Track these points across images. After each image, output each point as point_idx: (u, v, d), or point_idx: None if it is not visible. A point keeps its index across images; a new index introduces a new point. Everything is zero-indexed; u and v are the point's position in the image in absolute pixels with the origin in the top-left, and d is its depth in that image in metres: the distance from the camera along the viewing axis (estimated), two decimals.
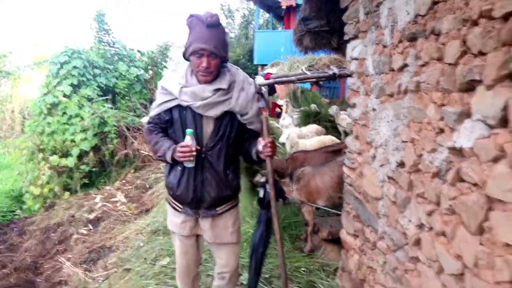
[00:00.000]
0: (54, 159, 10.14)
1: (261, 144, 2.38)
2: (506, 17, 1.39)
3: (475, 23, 1.57)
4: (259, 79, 5.86)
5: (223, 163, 2.46)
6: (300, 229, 4.61)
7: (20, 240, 8.09)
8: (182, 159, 2.33)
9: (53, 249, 6.97)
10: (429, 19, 1.93)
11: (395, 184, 2.38)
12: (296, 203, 4.52)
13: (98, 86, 11.82)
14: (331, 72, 4.76)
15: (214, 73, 2.35)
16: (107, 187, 9.32)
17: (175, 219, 2.62)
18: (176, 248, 2.72)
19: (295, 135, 6.28)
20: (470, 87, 1.63)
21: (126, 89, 13.00)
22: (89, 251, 6.06)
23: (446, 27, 1.77)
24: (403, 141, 2.25)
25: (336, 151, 4.77)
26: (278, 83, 5.79)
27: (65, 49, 11.64)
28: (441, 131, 1.85)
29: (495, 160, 1.47)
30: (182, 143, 2.33)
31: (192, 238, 2.66)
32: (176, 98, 2.39)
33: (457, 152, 1.71)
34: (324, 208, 4.24)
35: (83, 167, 10.20)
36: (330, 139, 5.91)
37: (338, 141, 5.89)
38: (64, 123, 10.68)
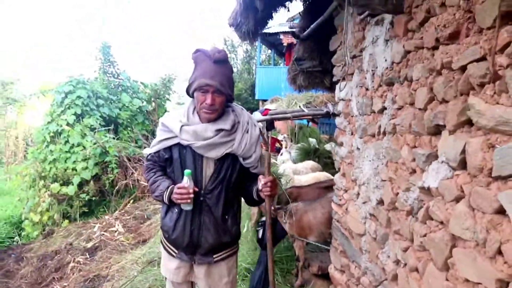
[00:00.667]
0: (55, 186, 10.23)
1: (261, 182, 2.21)
2: (463, 69, 1.53)
3: (439, 73, 1.72)
4: (257, 115, 6.01)
5: (222, 207, 2.32)
6: (291, 263, 4.66)
7: (17, 266, 8.11)
8: (179, 201, 2.20)
9: (49, 277, 7.00)
10: (403, 67, 2.08)
11: (376, 221, 2.48)
12: (288, 238, 4.58)
13: (101, 116, 12.01)
14: (325, 110, 4.90)
15: (218, 111, 2.22)
16: (106, 217, 9.38)
17: (169, 264, 2.46)
18: None
19: (290, 170, 6.38)
20: (436, 131, 1.77)
21: (129, 120, 13.19)
22: (85, 280, 6.09)
23: (416, 74, 1.92)
24: (382, 180, 2.37)
25: (329, 187, 4.86)
26: (275, 119, 5.93)
27: (70, 79, 11.90)
28: (414, 171, 1.97)
29: (457, 199, 1.59)
30: (180, 184, 2.20)
31: (185, 285, 2.51)
32: (177, 136, 2.26)
33: (426, 191, 1.83)
34: (315, 243, 4.30)
35: (83, 195, 10.26)
36: (324, 175, 6.00)
37: (331, 177, 5.97)
38: (66, 152, 10.81)
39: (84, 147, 10.68)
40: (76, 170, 10.43)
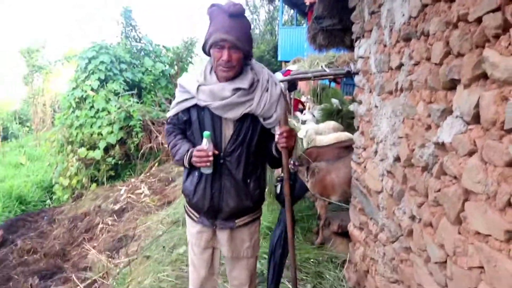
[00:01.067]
0: (82, 151, 10.50)
1: (276, 132, 2.13)
2: (479, 21, 1.50)
3: (455, 26, 1.69)
4: (278, 76, 5.98)
5: (243, 170, 2.23)
6: (312, 222, 4.75)
7: (49, 228, 8.48)
8: (198, 164, 2.13)
9: (80, 237, 7.31)
10: (420, 21, 2.04)
11: (392, 177, 2.50)
12: (309, 197, 4.65)
13: (125, 81, 12.14)
14: (346, 70, 4.85)
15: (236, 69, 2.10)
16: (132, 180, 9.63)
17: (191, 229, 2.43)
18: (190, 261, 2.52)
19: (313, 131, 6.39)
20: (452, 85, 1.75)
21: (152, 84, 13.29)
22: (113, 240, 6.34)
23: (433, 29, 1.88)
24: (399, 137, 2.37)
25: (349, 147, 4.86)
26: (296, 79, 5.91)
27: (93, 44, 12.00)
28: (429, 127, 1.97)
29: (470, 154, 1.59)
30: (198, 147, 2.12)
31: (207, 251, 2.43)
32: (194, 97, 2.17)
33: (441, 146, 1.83)
34: (336, 203, 4.35)
35: (109, 159, 10.52)
36: (345, 135, 6.01)
37: (352, 137, 5.96)
38: (91, 117, 11.03)
39: (109, 112, 10.87)
40: (101, 134, 10.66)
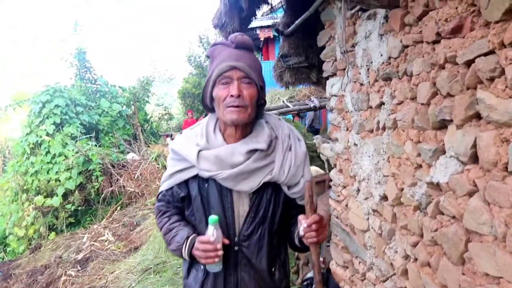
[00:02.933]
0: (39, 199, 10.04)
1: (302, 224, 1.57)
2: (469, 63, 1.52)
3: (442, 67, 1.71)
4: None
5: (266, 257, 1.71)
6: (291, 261, 4.67)
7: (5, 285, 7.93)
8: (202, 261, 1.62)
9: None
10: (401, 61, 2.07)
11: (380, 216, 2.48)
12: None
13: (81, 124, 11.86)
14: (312, 105, 4.90)
15: (249, 112, 1.60)
16: (94, 226, 9.24)
17: None
18: None
19: None
20: (442, 125, 1.76)
21: (109, 126, 13.06)
22: None
23: (416, 69, 1.91)
24: (385, 175, 2.36)
25: (320, 182, 4.86)
26: None
27: (46, 87, 11.72)
28: (419, 166, 1.96)
29: (470, 194, 1.58)
30: (203, 238, 1.61)
31: None
32: (194, 166, 1.67)
33: (435, 186, 1.82)
34: None
35: (68, 206, 10.09)
36: (314, 170, 6.01)
37: (322, 171, 5.99)
38: (48, 163, 10.62)
39: (66, 157, 10.51)
40: (59, 180, 10.25)
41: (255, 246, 1.70)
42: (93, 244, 7.98)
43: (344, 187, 3.07)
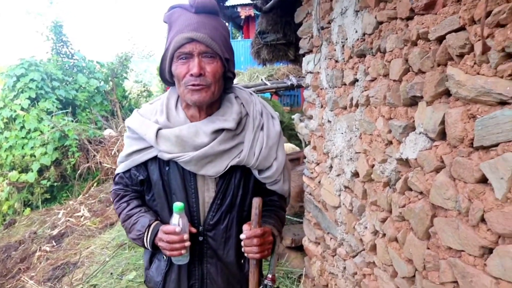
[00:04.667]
0: (13, 174, 9.87)
1: (244, 233, 1.48)
2: (440, 39, 1.51)
3: (414, 44, 1.70)
4: None
5: (234, 249, 1.58)
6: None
7: None
8: (168, 253, 1.48)
9: (15, 268, 6.77)
10: (375, 38, 2.05)
11: (351, 193, 2.49)
12: None
13: (58, 99, 11.57)
14: (289, 83, 4.88)
15: (212, 90, 1.42)
16: (70, 202, 9.14)
17: None
18: None
19: None
20: (413, 102, 1.76)
21: (86, 101, 12.78)
22: (53, 268, 5.93)
23: (390, 46, 1.89)
24: (357, 152, 2.37)
25: (295, 160, 4.88)
26: None
27: (21, 61, 11.36)
28: (390, 143, 1.97)
29: (437, 170, 1.59)
30: (167, 227, 1.45)
31: None
32: (153, 147, 1.50)
33: (404, 162, 1.83)
34: (286, 216, 4.34)
35: (44, 182, 9.94)
36: (290, 147, 6.03)
37: (298, 149, 6.01)
38: (22, 138, 10.40)
39: (42, 132, 10.30)
40: (34, 156, 10.06)
41: (222, 237, 1.56)
42: (68, 220, 7.90)
43: (318, 164, 3.08)
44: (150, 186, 1.58)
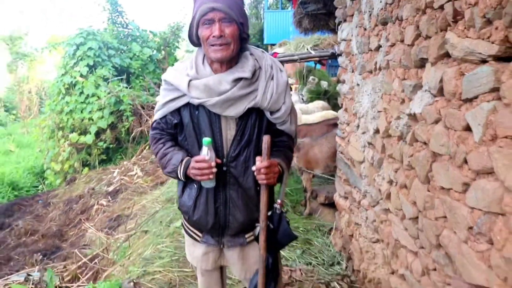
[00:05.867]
0: (73, 136, 10.67)
1: (255, 165, 1.83)
2: (442, 8, 1.76)
3: (424, 12, 1.94)
4: None
5: (252, 176, 1.88)
6: (300, 195, 5.05)
7: (45, 211, 8.68)
8: (198, 178, 1.80)
9: (76, 219, 7.54)
10: (395, 7, 2.29)
11: (373, 148, 2.77)
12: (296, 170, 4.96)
13: (113, 67, 12.25)
14: (330, 52, 5.09)
15: (232, 48, 1.75)
16: (124, 162, 9.85)
17: (194, 251, 2.11)
18: (199, 283, 2.27)
19: (299, 111, 6.66)
20: (422, 64, 2.01)
21: (140, 69, 13.42)
22: (109, 219, 6.58)
23: (405, 14, 2.14)
24: (378, 111, 2.63)
25: (336, 124, 5.14)
26: (282, 62, 6.13)
27: (80, 31, 12.07)
28: (403, 101, 2.23)
29: (436, 122, 1.86)
30: (198, 157, 1.79)
31: (216, 271, 2.17)
32: (185, 95, 1.83)
33: (413, 117, 2.10)
34: (322, 175, 4.65)
35: (100, 143, 10.72)
36: (332, 113, 6.26)
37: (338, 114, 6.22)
38: (81, 102, 11.19)
39: (99, 97, 11.04)
40: (92, 119, 10.83)
41: (242, 167, 1.88)
42: (122, 178, 8.57)
43: (348, 124, 3.36)
44: (183, 128, 1.91)
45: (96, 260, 4.85)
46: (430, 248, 1.98)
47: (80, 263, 4.76)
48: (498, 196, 1.39)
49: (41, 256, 5.67)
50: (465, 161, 1.61)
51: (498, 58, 1.41)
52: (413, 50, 2.05)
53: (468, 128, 1.59)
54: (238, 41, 1.79)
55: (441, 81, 1.78)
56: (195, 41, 1.84)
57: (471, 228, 1.57)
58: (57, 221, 7.84)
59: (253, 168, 1.83)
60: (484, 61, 1.49)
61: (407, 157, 2.19)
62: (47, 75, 24.69)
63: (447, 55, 1.77)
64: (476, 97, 1.52)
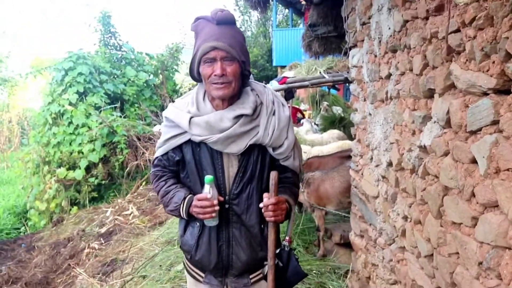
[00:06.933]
0: (61, 171, 10.88)
1: (263, 202, 2.04)
2: (445, 38, 1.99)
3: (430, 42, 2.18)
4: (274, 84, 6.49)
5: (255, 214, 2.10)
6: (313, 234, 5.23)
7: (28, 256, 8.86)
8: (201, 216, 2.02)
9: (64, 264, 7.70)
10: (403, 35, 2.53)
11: (387, 182, 2.97)
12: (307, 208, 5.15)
13: (106, 93, 12.61)
14: (344, 76, 5.35)
15: (233, 87, 1.98)
16: (118, 200, 10.05)
17: None
18: None
19: (309, 144, 6.89)
20: (430, 94, 2.23)
21: (135, 96, 13.79)
22: (102, 265, 6.74)
23: (413, 43, 2.38)
24: (391, 143, 2.85)
25: (351, 156, 5.35)
26: (293, 88, 6.40)
27: (69, 54, 12.48)
28: (414, 132, 2.45)
29: (445, 154, 2.07)
30: (200, 195, 2.01)
31: None
32: (186, 132, 2.06)
33: (423, 149, 2.31)
34: (336, 212, 4.84)
35: (91, 179, 10.91)
36: (348, 144, 6.47)
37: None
38: (70, 133, 11.45)
39: (90, 128, 11.30)
40: (82, 153, 11.07)
41: (245, 204, 2.10)
42: (116, 218, 8.77)
43: (361, 156, 3.57)
44: (184, 165, 2.15)
45: None
46: (445, 287, 2.15)
47: None
48: (504, 230, 1.59)
49: None
50: (473, 194, 1.81)
51: (497, 91, 1.63)
52: (421, 80, 2.28)
53: (474, 161, 1.79)
54: (240, 79, 2.03)
55: (448, 112, 1.99)
56: (196, 77, 2.08)
57: (481, 263, 1.76)
58: (43, 267, 7.99)
59: (261, 205, 2.03)
60: (485, 94, 1.71)
61: (419, 191, 2.39)
62: (30, 103, 25.11)
63: (453, 86, 1.99)
64: (479, 130, 1.73)
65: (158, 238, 6.49)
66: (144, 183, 10.76)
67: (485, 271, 1.74)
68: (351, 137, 8.47)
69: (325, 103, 10.10)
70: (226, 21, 1.97)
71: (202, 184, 2.05)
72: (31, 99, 24.93)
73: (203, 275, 2.24)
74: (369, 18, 3.14)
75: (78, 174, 10.83)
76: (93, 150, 11.02)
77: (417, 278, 2.54)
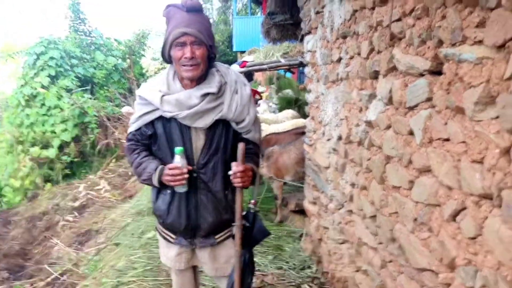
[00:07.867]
0: (35, 150, 10.69)
1: (231, 170, 2.10)
2: (390, 26, 2.10)
3: (375, 29, 2.28)
4: (235, 67, 6.52)
5: (220, 181, 2.21)
6: (271, 203, 5.37)
7: (5, 230, 8.66)
8: (172, 183, 2.09)
9: (40, 236, 7.59)
10: (352, 23, 2.63)
11: (337, 154, 3.10)
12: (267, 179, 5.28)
13: (76, 77, 12.39)
14: (299, 61, 5.45)
15: (201, 68, 2.05)
16: (90, 176, 9.95)
17: (168, 252, 2.39)
18: (173, 283, 2.56)
19: (267, 122, 6.99)
20: (376, 75, 2.35)
21: (104, 79, 13.59)
22: (77, 235, 6.70)
23: (361, 30, 2.48)
24: (341, 119, 2.97)
25: (305, 132, 5.49)
26: (252, 71, 6.47)
27: (41, 39, 12.17)
28: (361, 109, 2.57)
29: (387, 127, 2.19)
30: (171, 165, 2.08)
31: (189, 271, 2.47)
32: (158, 109, 2.12)
33: (369, 124, 2.43)
34: (292, 183, 4.98)
35: (64, 157, 10.77)
36: (302, 122, 6.61)
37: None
38: (43, 115, 11.24)
39: (62, 109, 11.11)
40: (55, 132, 10.90)
41: (211, 172, 2.18)
42: (89, 193, 8.69)
43: (314, 132, 3.69)
44: (156, 139, 2.20)
45: (65, 276, 5.01)
46: (386, 243, 2.30)
47: (49, 279, 4.92)
48: (435, 190, 1.72)
49: (7, 274, 5.75)
50: (410, 161, 1.94)
51: (431, 72, 1.75)
52: (367, 63, 2.39)
53: (411, 133, 1.92)
54: (207, 61, 2.10)
55: (390, 91, 2.11)
56: (167, 59, 2.14)
57: (416, 219, 1.90)
58: (20, 239, 7.85)
59: (230, 172, 2.10)
60: (421, 75, 1.83)
61: (365, 161, 2.52)
62: (0, 86, 24.36)
63: (395, 68, 2.10)
64: (416, 106, 1.86)
65: (129, 210, 6.48)
66: (114, 160, 10.67)
67: (419, 225, 1.89)
68: (304, 116, 8.68)
69: (272, 86, 10.24)
70: (194, 9, 2.03)
71: (172, 156, 2.11)
72: (1, 82, 24.22)
73: (174, 236, 2.32)
74: (323, 7, 3.23)
75: (52, 152, 10.67)
76: (65, 130, 10.87)
77: (363, 236, 2.69)
